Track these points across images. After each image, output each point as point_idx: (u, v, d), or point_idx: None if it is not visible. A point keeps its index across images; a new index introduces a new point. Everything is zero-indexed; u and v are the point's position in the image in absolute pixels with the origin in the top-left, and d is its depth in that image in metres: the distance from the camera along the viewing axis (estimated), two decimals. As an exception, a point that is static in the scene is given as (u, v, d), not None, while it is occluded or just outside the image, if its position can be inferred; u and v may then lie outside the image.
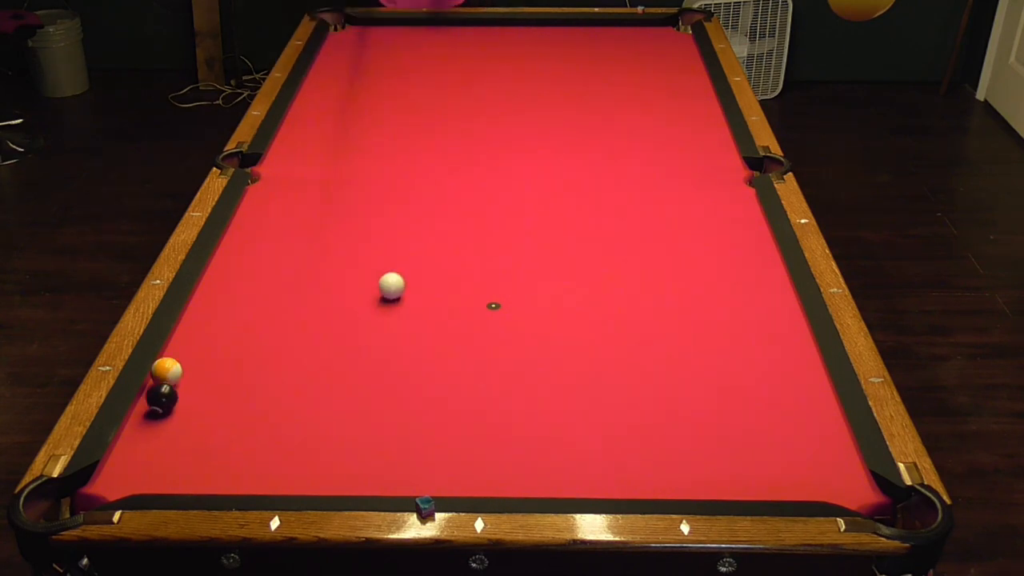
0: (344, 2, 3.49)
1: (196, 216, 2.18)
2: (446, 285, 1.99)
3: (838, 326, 1.82)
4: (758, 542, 1.38)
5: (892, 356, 1.87)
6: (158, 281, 1.95)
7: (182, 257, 2.03)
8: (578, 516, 1.41)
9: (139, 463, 1.54)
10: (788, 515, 1.41)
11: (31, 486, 1.45)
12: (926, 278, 3.59)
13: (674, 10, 3.44)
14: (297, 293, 1.96)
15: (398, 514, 1.41)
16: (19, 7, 4.73)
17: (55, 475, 1.48)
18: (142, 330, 1.81)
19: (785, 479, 1.51)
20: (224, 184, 2.32)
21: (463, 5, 3.65)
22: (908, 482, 1.47)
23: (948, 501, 1.43)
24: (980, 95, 4.98)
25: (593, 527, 1.40)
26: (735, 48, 4.24)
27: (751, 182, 2.36)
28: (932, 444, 1.58)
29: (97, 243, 3.81)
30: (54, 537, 1.38)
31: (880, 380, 1.69)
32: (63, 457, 1.52)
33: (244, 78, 5.05)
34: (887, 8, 3.59)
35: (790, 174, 2.35)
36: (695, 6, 4.03)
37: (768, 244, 2.11)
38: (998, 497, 2.68)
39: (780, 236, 2.11)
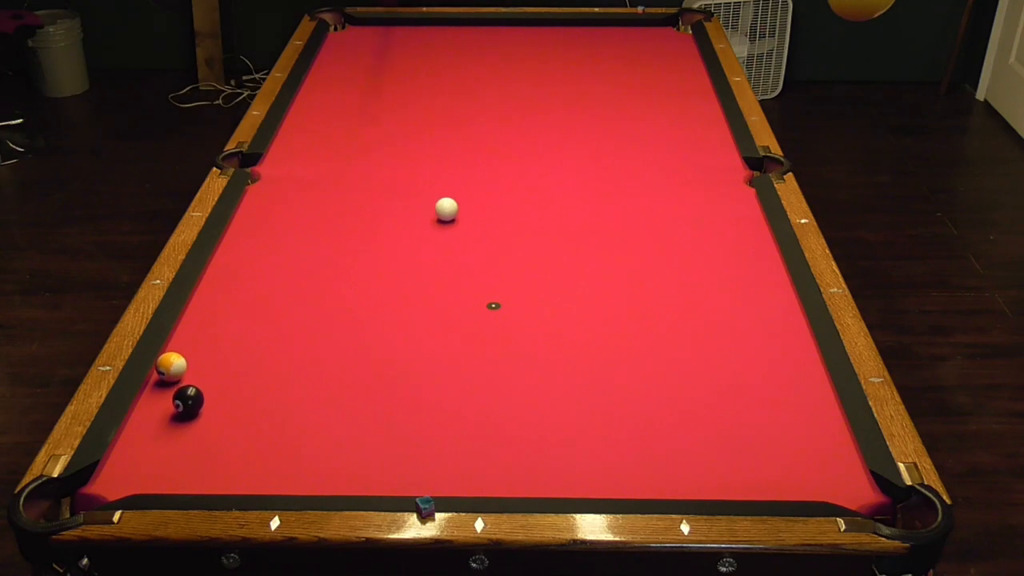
0: (344, 2, 3.49)
1: (196, 216, 2.18)
2: (446, 285, 1.99)
3: (838, 326, 1.82)
4: (758, 542, 1.38)
5: (892, 356, 1.87)
6: (158, 281, 1.95)
7: (182, 257, 2.03)
8: (578, 516, 1.41)
9: (139, 463, 1.54)
10: (788, 515, 1.41)
11: (31, 486, 1.45)
12: (926, 278, 3.59)
13: (674, 10, 3.44)
14: (297, 293, 1.97)
15: (398, 514, 1.41)
16: (19, 7, 4.73)
17: (55, 475, 1.48)
18: (142, 330, 1.81)
19: (785, 479, 1.51)
20: (224, 184, 2.32)
21: (462, 5, 3.64)
22: (908, 482, 1.47)
23: (948, 501, 1.43)
24: (980, 95, 4.98)
25: (593, 527, 1.40)
26: (735, 48, 4.24)
27: (751, 182, 2.36)
28: (932, 444, 1.58)
29: (97, 243, 3.81)
30: (54, 537, 1.38)
31: (880, 380, 1.69)
32: (63, 457, 1.52)
33: (244, 78, 5.05)
34: (887, 8, 3.59)
35: (790, 174, 2.35)
36: (695, 6, 4.03)
37: (768, 244, 2.11)
38: (998, 497, 2.68)
39: (780, 236, 2.11)
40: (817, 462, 1.55)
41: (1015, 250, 3.79)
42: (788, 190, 2.29)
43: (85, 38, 4.96)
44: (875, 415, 1.61)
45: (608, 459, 1.56)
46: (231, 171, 2.38)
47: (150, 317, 1.84)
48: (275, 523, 1.40)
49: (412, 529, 1.40)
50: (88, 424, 1.58)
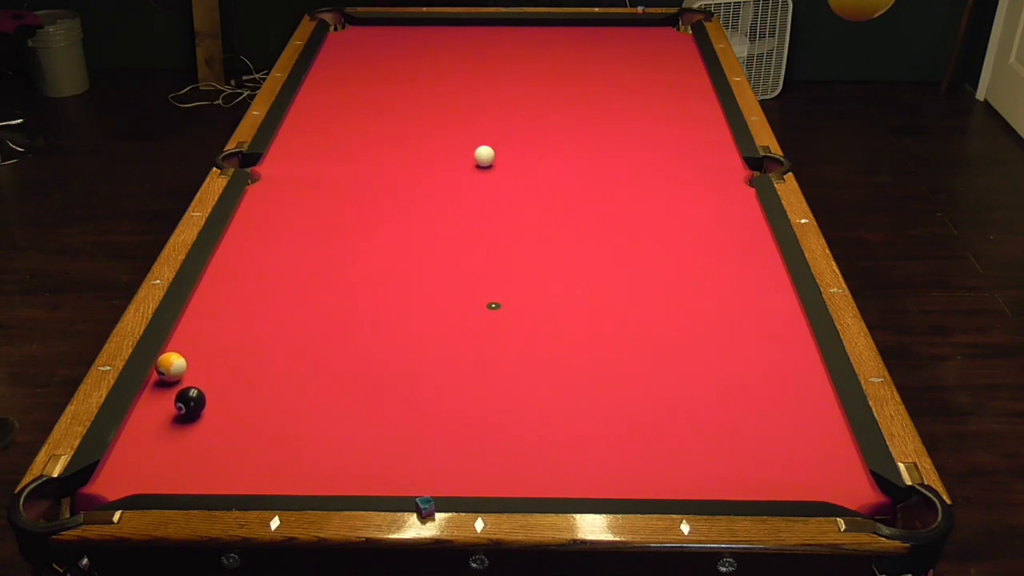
0: (344, 2, 3.49)
1: (196, 216, 2.18)
2: (446, 285, 1.99)
3: (838, 326, 1.82)
4: (758, 542, 1.38)
5: (892, 356, 1.87)
6: (158, 281, 1.95)
7: (182, 257, 2.03)
8: (578, 516, 1.41)
9: (139, 463, 1.54)
10: (788, 515, 1.41)
11: (31, 486, 1.45)
12: (926, 278, 3.59)
13: (674, 10, 3.44)
14: (297, 293, 1.97)
15: (398, 514, 1.41)
16: (19, 7, 4.73)
17: (55, 475, 1.48)
18: (142, 330, 1.81)
19: (785, 479, 1.51)
20: (224, 184, 2.32)
21: (460, 5, 3.65)
22: (908, 482, 1.47)
23: (948, 501, 1.43)
24: (980, 95, 4.98)
25: (593, 527, 1.40)
26: (735, 48, 4.24)
27: (751, 182, 2.36)
28: (932, 444, 1.58)
29: (97, 243, 3.81)
30: (54, 537, 1.38)
31: (880, 380, 1.69)
32: (63, 457, 1.52)
33: (244, 78, 5.05)
34: (887, 8, 3.59)
35: (790, 174, 2.35)
36: (695, 6, 4.03)
37: (768, 244, 2.11)
38: (998, 497, 2.68)
39: (780, 236, 2.11)
40: (817, 462, 1.55)
41: (1015, 250, 3.79)
42: (788, 190, 2.29)
43: (85, 38, 4.96)
44: (875, 415, 1.61)
45: (608, 459, 1.56)
46: (231, 171, 2.38)
47: (150, 317, 1.84)
48: (275, 523, 1.40)
49: (412, 529, 1.40)
50: (88, 424, 1.58)
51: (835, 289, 1.93)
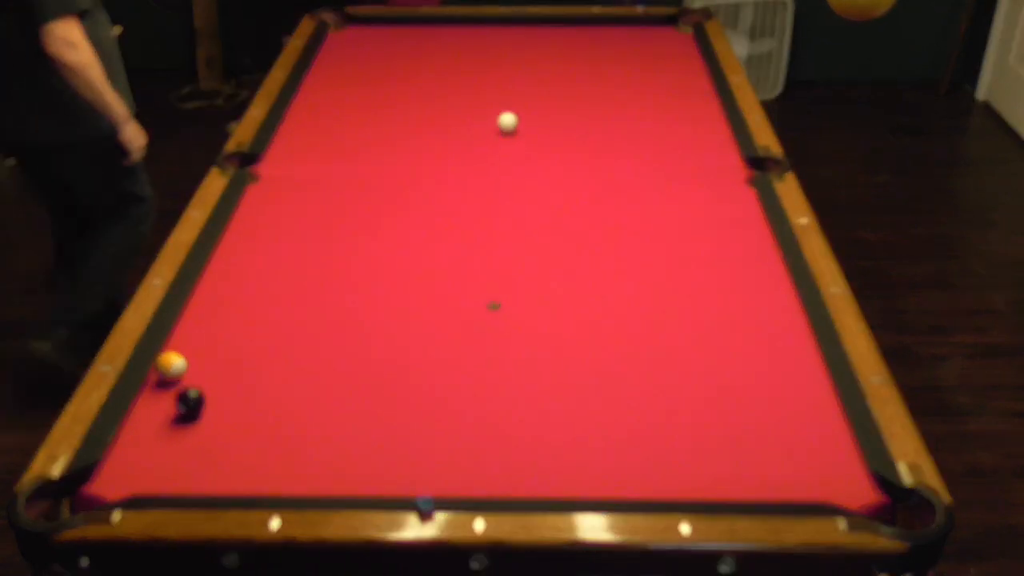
0: (344, 2, 3.49)
1: (196, 216, 2.18)
2: (446, 285, 1.99)
3: (838, 326, 1.82)
4: (758, 542, 1.38)
5: (892, 356, 1.86)
6: (158, 281, 1.95)
7: (182, 257, 2.03)
8: (578, 516, 1.41)
9: (139, 463, 1.54)
10: (788, 515, 1.42)
11: (31, 486, 1.45)
12: (926, 278, 3.59)
13: (674, 10, 3.43)
14: (297, 293, 1.96)
15: (398, 514, 1.41)
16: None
17: (55, 475, 1.48)
18: (142, 329, 1.81)
19: (785, 479, 1.51)
20: (224, 184, 2.32)
21: (461, 4, 3.65)
22: (908, 482, 1.47)
23: (948, 501, 1.43)
24: (980, 95, 4.98)
25: (593, 527, 1.40)
26: (735, 48, 4.24)
27: (751, 182, 2.36)
28: (932, 444, 1.58)
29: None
30: (54, 537, 1.38)
31: (880, 380, 1.69)
32: (63, 457, 1.52)
33: (244, 78, 5.05)
34: (888, 8, 3.59)
35: (790, 174, 2.35)
36: (695, 6, 4.03)
37: (768, 244, 2.11)
38: (998, 497, 2.68)
39: (780, 236, 2.11)
40: (817, 462, 1.55)
41: (1015, 250, 3.79)
42: (788, 190, 2.29)
43: (85, 38, 4.95)
44: (875, 415, 1.61)
45: (608, 459, 1.56)
46: (231, 171, 2.38)
47: (150, 316, 1.84)
48: (275, 523, 1.40)
49: (412, 529, 1.40)
50: (88, 424, 1.58)
51: (835, 289, 1.93)
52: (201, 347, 1.79)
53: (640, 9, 3.44)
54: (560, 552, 1.38)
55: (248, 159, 2.46)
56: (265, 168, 2.43)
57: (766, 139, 2.52)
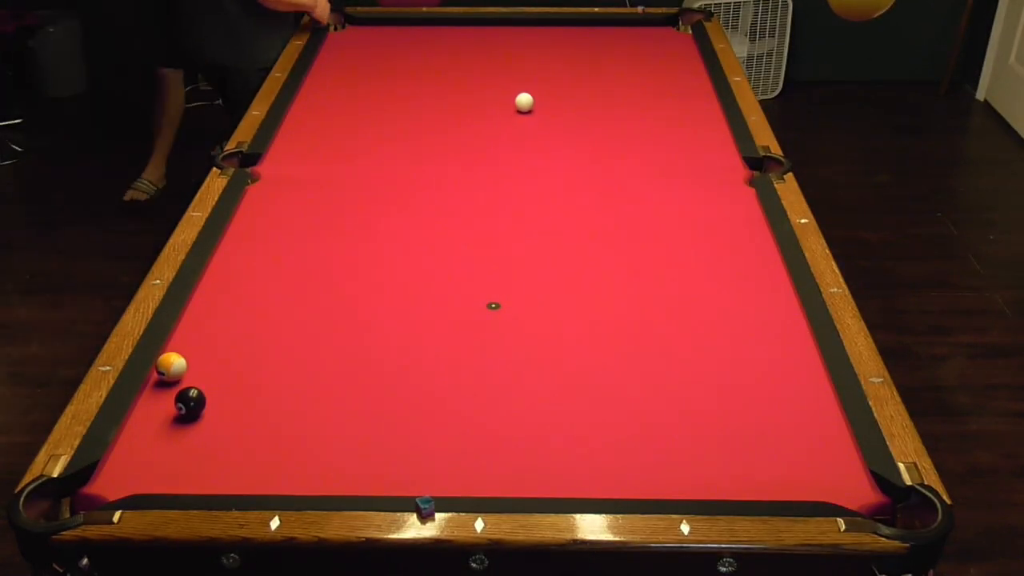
0: (344, 2, 3.49)
1: (196, 216, 2.18)
2: (446, 285, 1.99)
3: (838, 326, 1.82)
4: (758, 542, 1.38)
5: (892, 356, 1.86)
6: (158, 281, 1.95)
7: (182, 257, 2.03)
8: (578, 516, 1.41)
9: (139, 463, 1.54)
10: (788, 515, 1.41)
11: (31, 486, 1.45)
12: (926, 278, 3.59)
13: (674, 10, 3.44)
14: (297, 293, 1.96)
15: (398, 514, 1.41)
16: (19, 7, 4.72)
17: (55, 475, 1.48)
18: (142, 330, 1.81)
19: (785, 479, 1.51)
20: (224, 184, 2.32)
21: (460, 5, 3.65)
22: (908, 482, 1.47)
23: (948, 501, 1.43)
24: (980, 95, 4.98)
25: (593, 527, 1.40)
26: (735, 48, 4.23)
27: (751, 182, 2.36)
28: (932, 444, 1.58)
29: (97, 243, 3.81)
30: (54, 537, 1.38)
31: (880, 380, 1.69)
32: (63, 457, 1.52)
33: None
34: (887, 8, 3.59)
35: (790, 174, 2.35)
36: (695, 6, 4.03)
37: (768, 244, 2.11)
38: (998, 497, 2.68)
39: (780, 236, 2.11)
40: (817, 462, 1.55)
41: (1015, 250, 3.79)
42: (788, 190, 2.29)
43: (84, 38, 4.95)
44: (875, 415, 1.61)
45: (608, 459, 1.56)
46: (231, 171, 2.38)
47: (150, 317, 1.84)
48: (275, 523, 1.40)
49: (412, 529, 1.40)
50: (88, 424, 1.58)
51: (835, 289, 1.93)
52: (201, 347, 1.79)
53: (640, 9, 3.44)
54: (560, 552, 1.38)
55: (248, 159, 2.46)
56: (265, 168, 2.43)
57: (766, 139, 2.52)
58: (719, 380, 1.73)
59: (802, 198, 2.26)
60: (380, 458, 1.56)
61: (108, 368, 1.71)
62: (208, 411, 1.64)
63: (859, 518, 1.41)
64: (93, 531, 1.39)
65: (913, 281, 3.58)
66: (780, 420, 1.63)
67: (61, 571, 1.39)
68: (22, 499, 1.42)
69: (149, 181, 4.07)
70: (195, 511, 1.41)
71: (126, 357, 1.74)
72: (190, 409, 1.61)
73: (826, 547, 1.37)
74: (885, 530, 1.38)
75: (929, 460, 1.52)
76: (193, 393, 1.62)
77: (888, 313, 3.38)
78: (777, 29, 4.84)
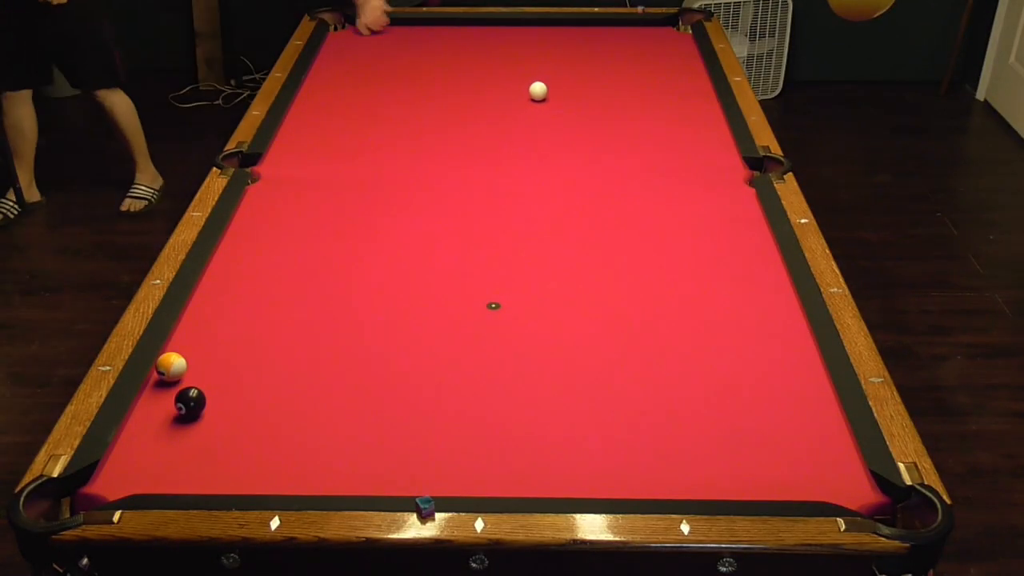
0: (344, 2, 3.49)
1: (196, 216, 2.18)
2: (446, 285, 1.99)
3: (838, 326, 1.82)
4: (758, 542, 1.38)
5: (892, 356, 1.86)
6: (158, 281, 1.95)
7: (182, 257, 2.03)
8: (578, 516, 1.41)
9: (139, 463, 1.54)
10: (788, 515, 1.41)
11: (31, 486, 1.45)
12: (926, 278, 3.59)
13: (674, 10, 3.44)
14: (297, 293, 1.96)
15: (398, 514, 1.41)
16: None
17: (55, 475, 1.48)
18: (142, 330, 1.81)
19: (785, 479, 1.51)
20: (224, 184, 2.32)
21: (460, 5, 3.65)
22: (908, 482, 1.47)
23: (948, 501, 1.43)
24: (980, 95, 4.98)
25: (593, 527, 1.40)
26: (735, 48, 4.23)
27: (751, 182, 2.36)
28: (932, 444, 1.58)
29: (97, 243, 3.81)
30: (54, 537, 1.38)
31: (880, 380, 1.69)
32: (63, 457, 1.52)
33: (244, 78, 5.04)
34: (888, 8, 3.59)
35: (790, 174, 2.35)
36: (695, 6, 4.03)
37: (768, 244, 2.11)
38: (998, 497, 2.68)
39: (780, 236, 2.11)
40: (817, 462, 1.55)
41: (1015, 250, 3.79)
42: (788, 190, 2.29)
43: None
44: (875, 415, 1.61)
45: (608, 459, 1.56)
46: (231, 171, 2.38)
47: (150, 317, 1.84)
48: (275, 523, 1.40)
49: (412, 529, 1.40)
50: (88, 424, 1.58)
51: (835, 289, 1.93)
52: (201, 347, 1.79)
53: (640, 9, 3.44)
54: (560, 552, 1.38)
55: (248, 159, 2.46)
56: (265, 168, 2.43)
57: (766, 139, 2.52)
58: (719, 380, 1.73)
59: (802, 198, 2.26)
60: (380, 458, 1.56)
61: (108, 368, 1.71)
62: (208, 411, 1.64)
63: (859, 518, 1.41)
64: (93, 531, 1.39)
65: (913, 281, 3.57)
66: (780, 420, 1.64)
67: (61, 571, 1.39)
68: (22, 499, 1.42)
69: (144, 186, 4.06)
70: (195, 511, 1.41)
71: (126, 357, 1.74)
72: (190, 409, 1.61)
73: (826, 547, 1.37)
74: (885, 530, 1.39)
75: (929, 460, 1.52)
76: (193, 393, 1.62)
77: (888, 313, 3.38)
78: (777, 29, 4.84)
